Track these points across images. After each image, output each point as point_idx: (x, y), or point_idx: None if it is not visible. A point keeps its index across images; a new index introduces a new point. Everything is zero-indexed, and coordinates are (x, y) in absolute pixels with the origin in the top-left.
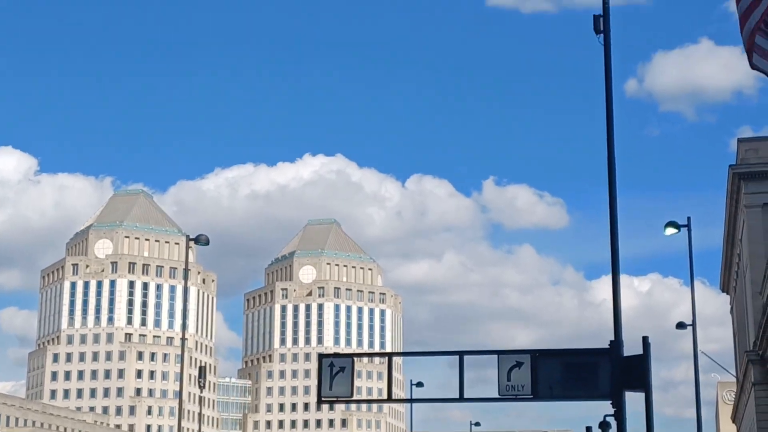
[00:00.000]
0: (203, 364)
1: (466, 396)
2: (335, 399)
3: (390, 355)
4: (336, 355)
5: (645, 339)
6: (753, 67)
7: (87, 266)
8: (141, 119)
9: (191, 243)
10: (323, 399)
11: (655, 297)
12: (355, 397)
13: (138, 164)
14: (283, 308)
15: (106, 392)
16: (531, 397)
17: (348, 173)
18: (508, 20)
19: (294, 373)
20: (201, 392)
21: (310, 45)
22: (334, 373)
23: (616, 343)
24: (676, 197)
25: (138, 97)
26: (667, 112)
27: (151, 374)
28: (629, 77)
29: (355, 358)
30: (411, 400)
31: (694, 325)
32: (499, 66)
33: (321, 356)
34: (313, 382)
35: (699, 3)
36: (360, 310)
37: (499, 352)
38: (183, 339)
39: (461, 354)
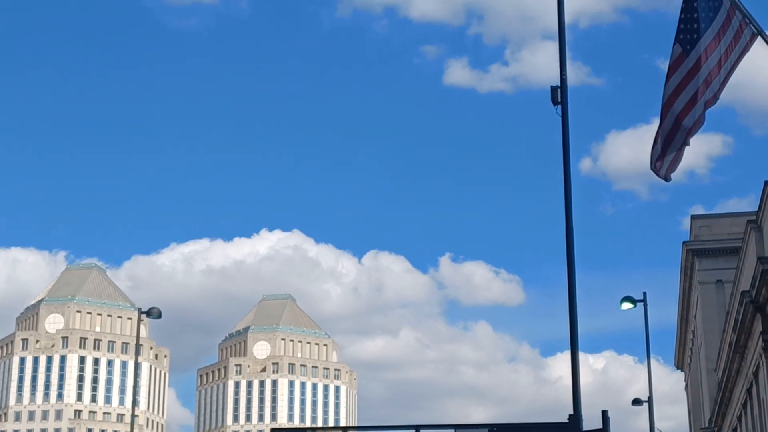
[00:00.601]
0: None
1: None
2: None
3: (345, 429)
4: (290, 429)
5: (605, 413)
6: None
7: (37, 341)
8: (96, 193)
9: (143, 317)
10: None
11: (610, 374)
12: None
13: (92, 239)
14: (237, 384)
15: None
16: None
17: (305, 249)
18: (465, 99)
19: None
20: None
21: (268, 121)
22: None
23: (575, 417)
24: (631, 274)
25: (94, 171)
26: (621, 191)
27: None
28: (584, 156)
29: None
30: None
31: (650, 400)
32: (456, 143)
33: (274, 431)
34: None
35: (651, 83)
36: (315, 386)
37: (456, 426)
38: (133, 416)
39: (418, 428)
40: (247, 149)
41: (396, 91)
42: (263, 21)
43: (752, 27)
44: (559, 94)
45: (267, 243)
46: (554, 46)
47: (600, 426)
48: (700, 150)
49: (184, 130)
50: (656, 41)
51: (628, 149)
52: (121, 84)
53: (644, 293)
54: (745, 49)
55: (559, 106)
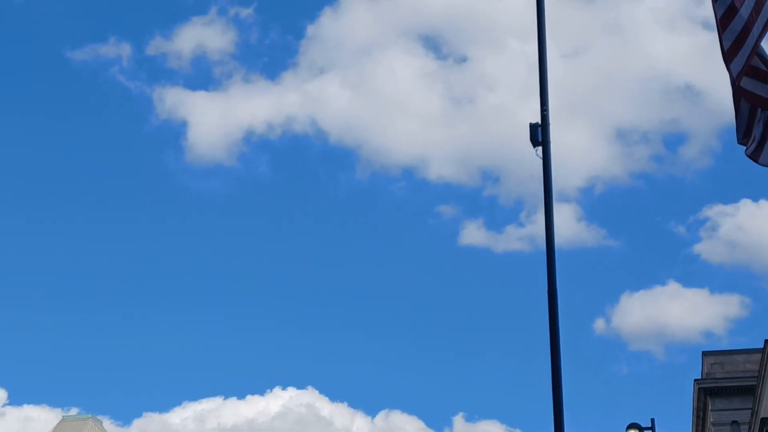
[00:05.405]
0: None
1: None
2: None
3: None
4: None
5: None
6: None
7: None
8: (110, 350)
9: None
10: None
11: None
12: None
13: (104, 396)
14: None
15: None
16: None
17: (318, 407)
18: (480, 258)
19: None
20: None
21: (284, 283)
22: None
23: None
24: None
25: (107, 329)
26: (636, 351)
27: None
28: (598, 316)
29: None
30: None
31: None
32: (470, 303)
33: None
34: None
35: (663, 245)
36: None
37: None
38: None
39: None
40: (262, 309)
41: (411, 251)
42: (282, 184)
43: None
44: (539, 132)
45: (280, 400)
46: (568, 208)
47: None
48: (717, 311)
49: (195, 291)
50: (669, 205)
51: (642, 311)
52: (137, 243)
53: (652, 420)
54: None
55: (540, 147)
